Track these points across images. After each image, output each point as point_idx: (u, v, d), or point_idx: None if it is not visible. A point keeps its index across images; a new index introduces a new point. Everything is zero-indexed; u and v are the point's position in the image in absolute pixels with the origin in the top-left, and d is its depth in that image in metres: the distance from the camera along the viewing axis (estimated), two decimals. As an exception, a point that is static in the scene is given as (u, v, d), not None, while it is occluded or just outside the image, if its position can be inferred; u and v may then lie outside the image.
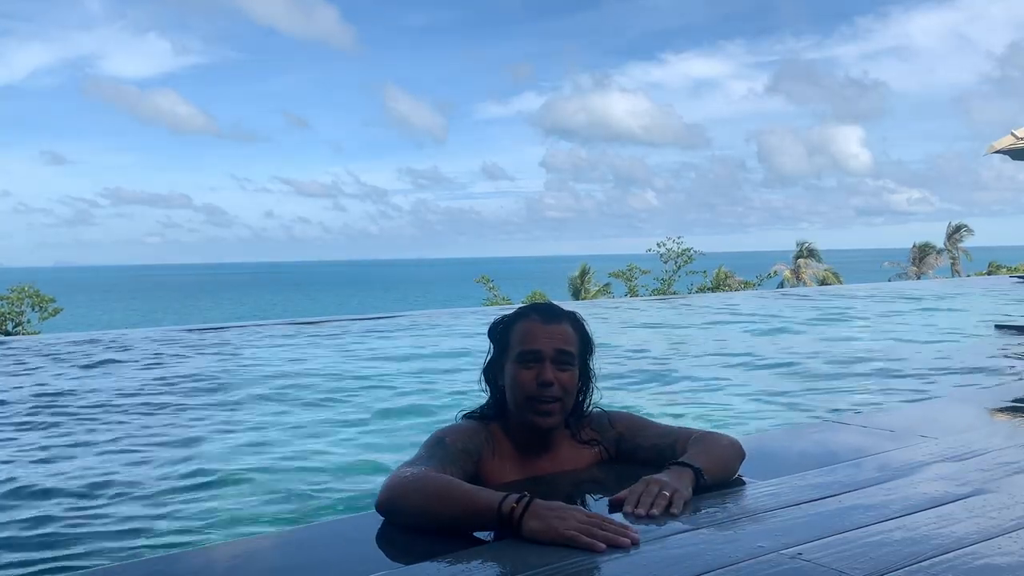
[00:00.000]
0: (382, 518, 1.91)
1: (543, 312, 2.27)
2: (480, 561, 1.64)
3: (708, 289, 21.84)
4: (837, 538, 1.72)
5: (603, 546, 1.65)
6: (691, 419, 3.80)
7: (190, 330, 8.73)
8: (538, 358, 2.18)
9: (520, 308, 2.33)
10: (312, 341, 7.96)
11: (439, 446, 2.14)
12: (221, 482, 3.05)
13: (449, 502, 1.82)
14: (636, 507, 1.89)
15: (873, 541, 1.71)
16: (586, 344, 2.30)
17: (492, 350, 2.31)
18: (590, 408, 2.36)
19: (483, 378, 2.32)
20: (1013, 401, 3.39)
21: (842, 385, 4.82)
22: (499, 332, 2.29)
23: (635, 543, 1.68)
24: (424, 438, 2.18)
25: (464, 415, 2.33)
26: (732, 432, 3.39)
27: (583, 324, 2.31)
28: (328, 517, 2.49)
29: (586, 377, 2.32)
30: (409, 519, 1.88)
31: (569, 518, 1.72)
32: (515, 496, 1.76)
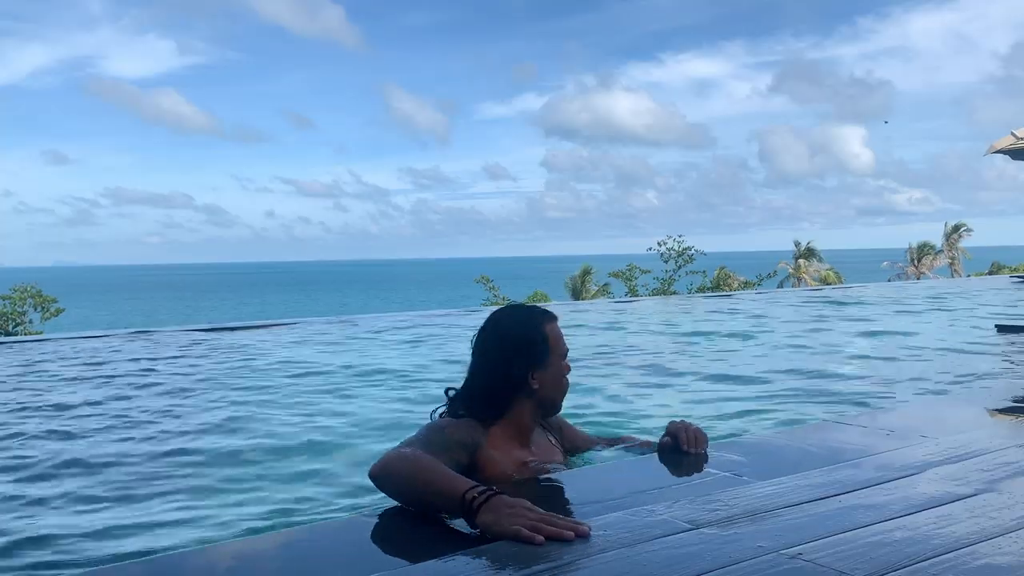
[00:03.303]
0: (380, 519, 1.95)
1: (552, 313, 2.60)
2: (480, 561, 1.64)
3: (708, 289, 21.81)
4: (837, 538, 1.72)
5: (541, 539, 1.72)
6: (690, 419, 3.79)
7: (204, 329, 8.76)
8: (566, 353, 2.57)
9: (539, 311, 2.60)
10: (314, 340, 7.98)
11: (439, 433, 2.34)
12: (221, 483, 3.05)
13: (428, 480, 1.95)
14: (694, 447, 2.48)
15: (873, 541, 1.71)
16: None
17: (517, 357, 2.46)
18: None
19: (507, 380, 2.45)
20: (1013, 401, 3.39)
21: (842, 385, 4.82)
22: (533, 339, 2.50)
23: (581, 535, 1.75)
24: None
25: (455, 414, 2.46)
26: (731, 431, 3.41)
27: None
28: (328, 518, 2.50)
29: None
30: (394, 488, 2.04)
31: (520, 515, 1.78)
32: (481, 488, 1.85)
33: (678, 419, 2.67)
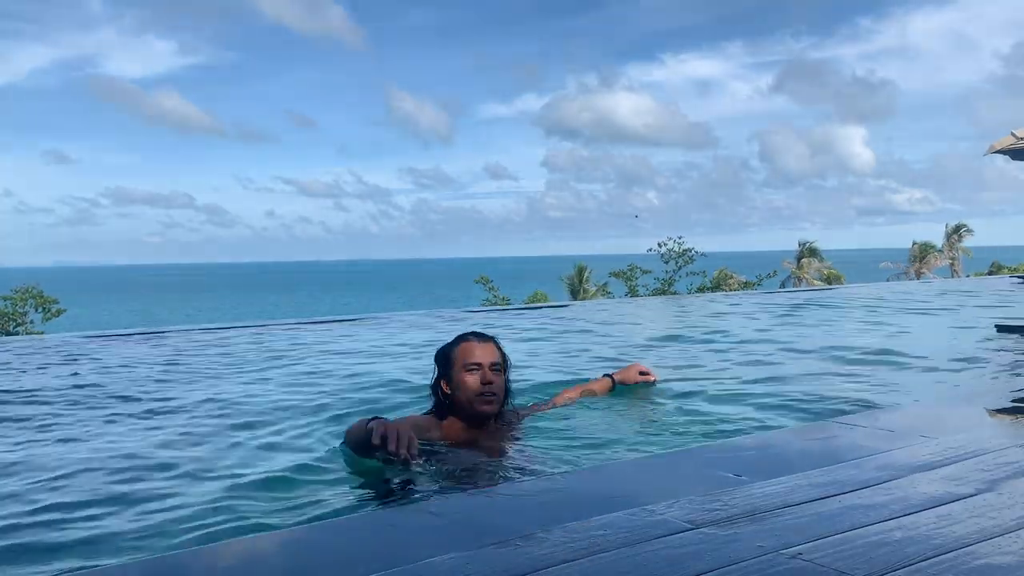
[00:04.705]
0: (381, 518, 2.04)
1: (477, 335, 3.25)
2: (480, 561, 1.65)
3: (708, 289, 21.80)
4: (837, 538, 1.72)
5: (377, 441, 2.60)
6: (690, 419, 3.80)
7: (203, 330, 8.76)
8: (479, 366, 3.16)
9: (460, 336, 3.26)
10: (316, 337, 7.99)
11: (406, 419, 3.07)
12: (218, 483, 3.05)
13: (357, 432, 2.83)
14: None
15: (873, 541, 1.71)
16: (506, 361, 3.28)
17: (437, 369, 3.25)
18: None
19: (431, 390, 3.28)
20: (1013, 401, 3.39)
21: (841, 385, 4.82)
22: (445, 355, 3.24)
23: (413, 458, 2.61)
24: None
25: (424, 413, 3.29)
26: (730, 432, 3.42)
27: (502, 346, 3.30)
28: (328, 518, 2.50)
29: (508, 384, 3.29)
30: (353, 447, 2.93)
31: (391, 427, 2.65)
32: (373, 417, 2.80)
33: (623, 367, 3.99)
